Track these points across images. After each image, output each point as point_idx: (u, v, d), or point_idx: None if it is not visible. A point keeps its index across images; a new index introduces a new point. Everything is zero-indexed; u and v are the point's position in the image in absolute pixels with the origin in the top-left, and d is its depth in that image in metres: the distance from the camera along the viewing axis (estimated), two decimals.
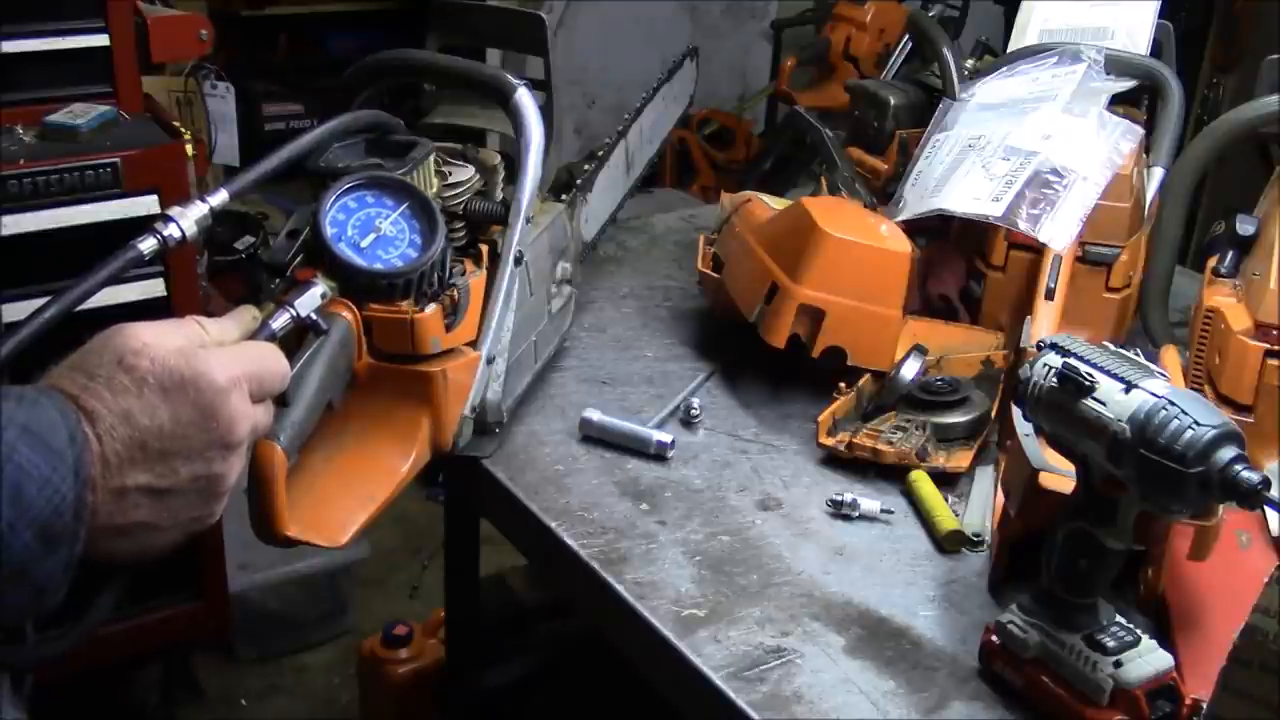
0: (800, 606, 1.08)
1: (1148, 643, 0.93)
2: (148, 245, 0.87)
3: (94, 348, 0.71)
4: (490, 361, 1.24)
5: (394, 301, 0.92)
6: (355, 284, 0.92)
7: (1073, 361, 0.91)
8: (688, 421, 1.35)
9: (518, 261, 1.26)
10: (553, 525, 1.17)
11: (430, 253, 0.89)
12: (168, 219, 0.89)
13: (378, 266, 0.92)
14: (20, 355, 0.75)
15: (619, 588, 1.09)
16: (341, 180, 0.90)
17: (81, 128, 1.83)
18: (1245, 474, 0.81)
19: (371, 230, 0.90)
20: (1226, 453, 0.82)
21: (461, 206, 1.23)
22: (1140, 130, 1.44)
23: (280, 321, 0.89)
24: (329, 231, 0.88)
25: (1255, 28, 3.24)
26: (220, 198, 0.93)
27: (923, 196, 1.46)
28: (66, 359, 0.72)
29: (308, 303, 0.90)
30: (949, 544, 1.16)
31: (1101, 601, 0.95)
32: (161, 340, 0.72)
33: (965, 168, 1.43)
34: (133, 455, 0.69)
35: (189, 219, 0.90)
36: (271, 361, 0.80)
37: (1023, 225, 1.34)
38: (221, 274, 2.76)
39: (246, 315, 0.86)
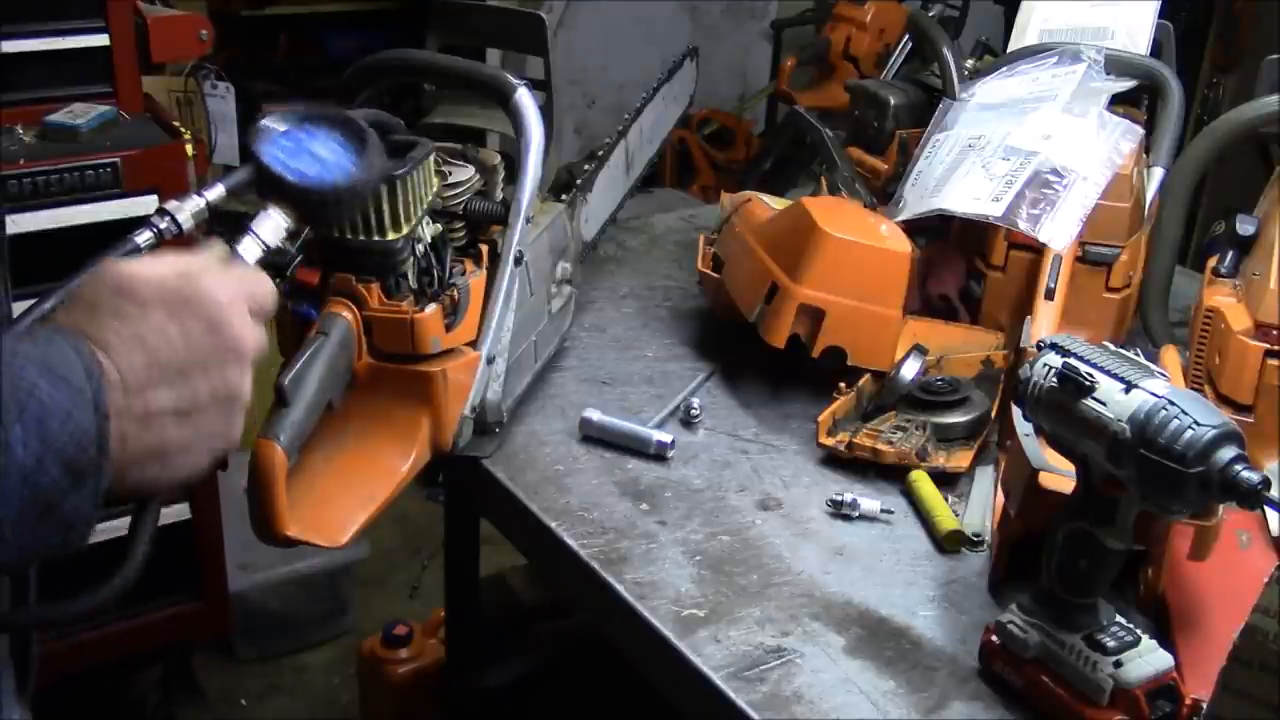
0: (800, 606, 1.08)
1: (1148, 643, 0.93)
2: (144, 239, 0.88)
3: (86, 283, 0.71)
4: (490, 361, 1.24)
5: (342, 220, 0.90)
6: (304, 203, 0.91)
7: (1073, 361, 0.91)
8: (688, 421, 1.35)
9: (518, 261, 1.26)
10: (553, 525, 1.17)
11: (367, 168, 0.89)
12: (164, 213, 0.89)
13: (327, 180, 0.91)
14: None
15: (619, 588, 1.09)
16: (275, 118, 0.89)
17: (81, 128, 1.83)
18: (1245, 474, 0.81)
19: (308, 154, 0.89)
20: (1226, 453, 0.82)
21: (461, 206, 1.23)
22: (1140, 130, 1.44)
23: (251, 251, 0.89)
24: (270, 160, 0.88)
25: (1255, 28, 3.24)
26: (217, 192, 0.93)
27: (923, 196, 1.46)
28: (55, 299, 0.73)
29: (270, 230, 0.89)
30: (949, 544, 1.16)
31: (1101, 601, 0.95)
32: (153, 268, 0.73)
33: (965, 168, 1.43)
34: (151, 377, 0.69)
35: (185, 213, 0.90)
36: (259, 282, 0.80)
37: (1023, 225, 1.34)
38: None
39: (218, 248, 0.87)
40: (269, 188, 0.88)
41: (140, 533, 0.78)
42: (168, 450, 0.71)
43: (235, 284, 0.76)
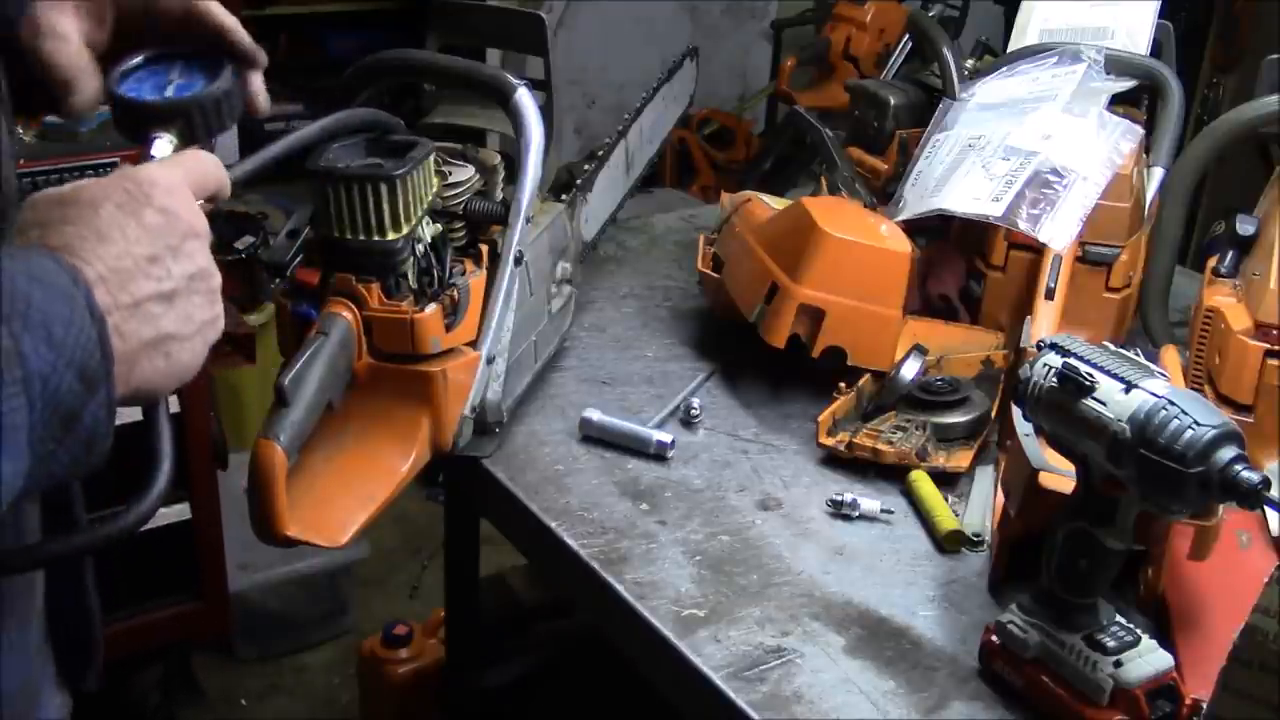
0: (800, 606, 1.08)
1: (1148, 643, 0.93)
2: None
3: (26, 208, 0.71)
4: (490, 361, 1.24)
5: (194, 140, 0.90)
6: (121, 119, 0.88)
7: (1073, 361, 0.91)
8: (688, 421, 1.35)
9: (518, 261, 1.26)
10: (553, 525, 1.17)
11: (199, 91, 0.87)
12: None
13: (161, 98, 0.88)
14: None
15: (619, 588, 1.09)
16: (129, 58, 0.90)
17: (81, 128, 1.83)
18: (1245, 474, 0.81)
19: (166, 86, 0.90)
20: (1226, 453, 0.82)
21: (461, 206, 1.23)
22: (1140, 130, 1.44)
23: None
24: (125, 92, 0.88)
25: (1255, 28, 3.24)
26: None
27: (923, 196, 1.46)
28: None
29: (163, 151, 0.87)
30: (949, 544, 1.16)
31: (1101, 601, 0.95)
32: (85, 181, 0.73)
33: (965, 168, 1.43)
34: (125, 267, 0.69)
35: None
36: (201, 161, 0.80)
37: (1023, 225, 1.34)
38: (222, 273, 2.76)
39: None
40: (138, 117, 0.87)
41: (159, 435, 0.76)
42: (163, 339, 0.71)
43: (176, 169, 0.76)
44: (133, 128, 0.86)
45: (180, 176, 0.76)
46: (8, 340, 0.60)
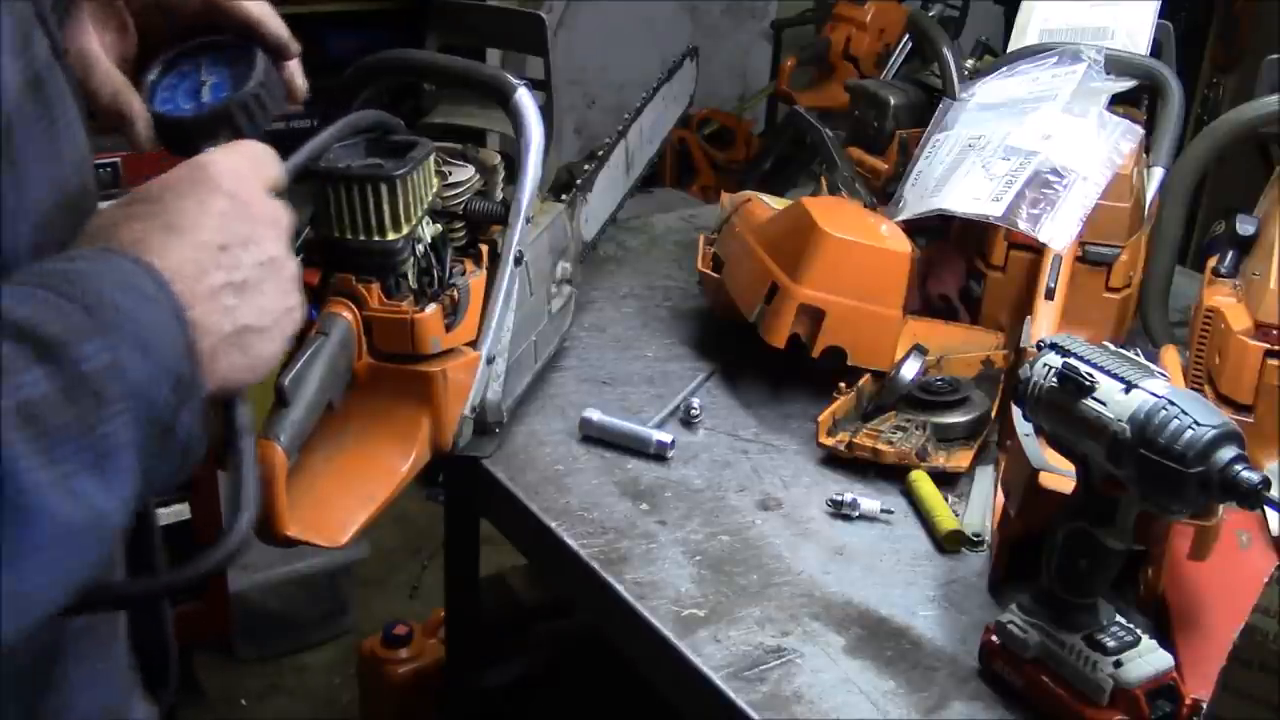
0: (800, 606, 1.08)
1: (1148, 643, 0.93)
2: None
3: (93, 217, 0.68)
4: (490, 361, 1.24)
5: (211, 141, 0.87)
6: (168, 138, 0.85)
7: (1073, 361, 0.91)
8: (688, 421, 1.35)
9: (518, 261, 1.26)
10: (553, 525, 1.17)
11: (237, 91, 0.83)
12: None
13: (184, 110, 0.84)
14: None
15: (619, 588, 1.09)
16: (152, 66, 0.85)
17: None
18: (1245, 474, 0.81)
19: (199, 89, 0.86)
20: (1226, 453, 0.82)
21: (461, 206, 1.23)
22: (1140, 130, 1.44)
23: None
24: (162, 108, 0.83)
25: (1255, 28, 3.24)
26: None
27: (923, 196, 1.46)
28: (65, 253, 0.66)
29: None
30: (949, 544, 1.16)
31: (1101, 601, 0.95)
32: (144, 183, 0.70)
33: (965, 168, 1.43)
34: (198, 259, 0.66)
35: None
36: (260, 151, 0.77)
37: (1023, 225, 1.34)
38: None
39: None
40: (183, 132, 0.83)
41: (244, 468, 0.73)
42: (240, 331, 0.68)
43: (239, 156, 0.74)
44: (180, 143, 0.82)
45: (245, 163, 0.73)
46: (107, 354, 0.57)
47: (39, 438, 0.53)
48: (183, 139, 0.81)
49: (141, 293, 0.61)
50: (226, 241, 0.68)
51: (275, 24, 0.85)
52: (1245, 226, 1.34)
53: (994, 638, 0.99)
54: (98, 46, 0.80)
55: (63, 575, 0.57)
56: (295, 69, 0.87)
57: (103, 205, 0.69)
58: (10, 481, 0.52)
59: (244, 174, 0.72)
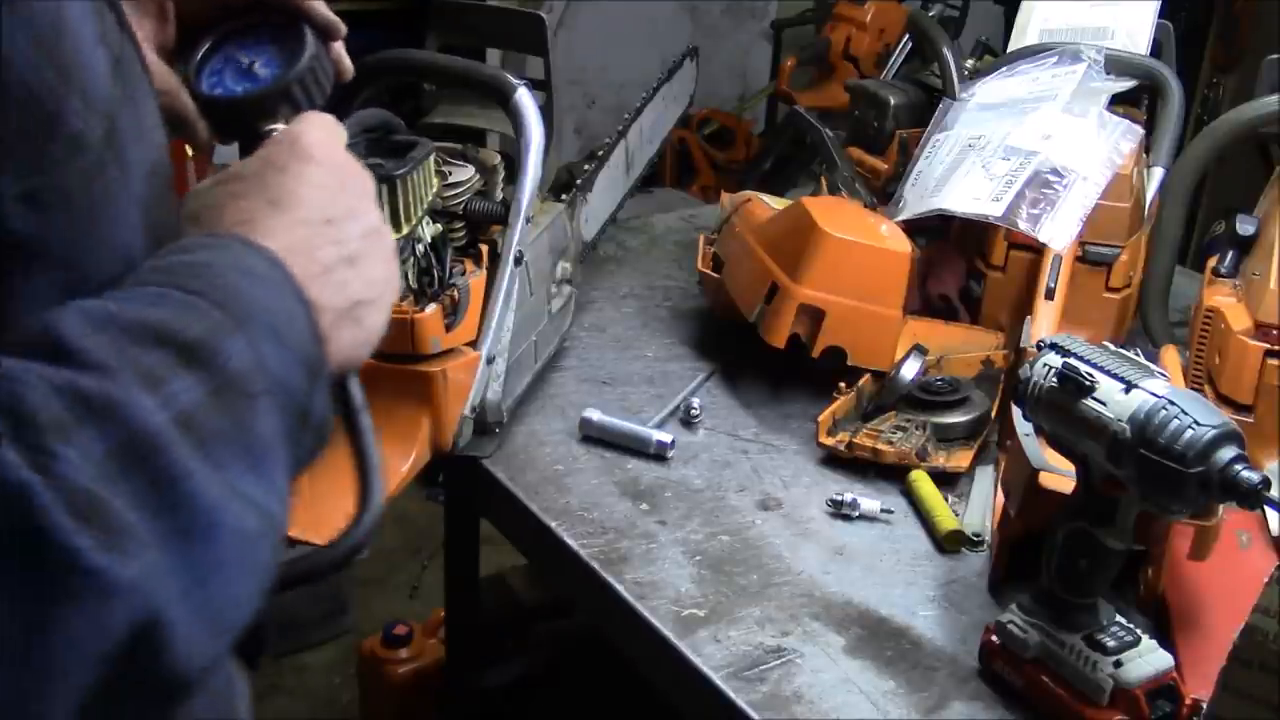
0: (800, 606, 1.08)
1: (1148, 643, 0.93)
2: None
3: (189, 199, 0.66)
4: (490, 361, 1.24)
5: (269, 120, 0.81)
6: (224, 120, 0.83)
7: (1073, 361, 0.91)
8: (688, 421, 1.35)
9: (518, 261, 1.26)
10: (553, 525, 1.17)
11: (292, 68, 0.80)
12: None
13: (237, 91, 0.82)
14: None
15: (619, 588, 1.09)
16: (195, 50, 0.82)
17: None
18: (1245, 474, 0.81)
19: (248, 69, 0.84)
20: (1226, 453, 0.82)
21: (461, 206, 1.23)
22: (1140, 130, 1.44)
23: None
24: (206, 85, 0.81)
25: (1255, 28, 3.24)
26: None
27: (923, 196, 1.46)
28: (179, 244, 0.62)
29: None
30: (949, 544, 1.16)
31: (1101, 601, 0.95)
32: (234, 165, 0.68)
33: (965, 168, 1.43)
34: (307, 236, 0.64)
35: None
36: (330, 120, 0.75)
37: (1023, 225, 1.34)
38: None
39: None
40: (240, 113, 0.81)
41: (365, 449, 0.72)
42: (354, 305, 0.67)
43: (322, 127, 0.72)
44: (237, 126, 0.80)
45: (331, 134, 0.71)
46: (248, 350, 0.56)
47: (201, 447, 0.52)
48: (240, 119, 0.80)
49: (264, 278, 0.60)
50: (332, 215, 0.67)
51: (321, 3, 0.84)
52: (1245, 226, 1.34)
53: (994, 638, 0.99)
54: (139, 39, 0.80)
55: (252, 585, 0.56)
56: (340, 49, 0.86)
57: (200, 183, 0.67)
58: (188, 502, 0.51)
59: (334, 145, 0.71)
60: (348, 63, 0.86)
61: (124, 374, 0.51)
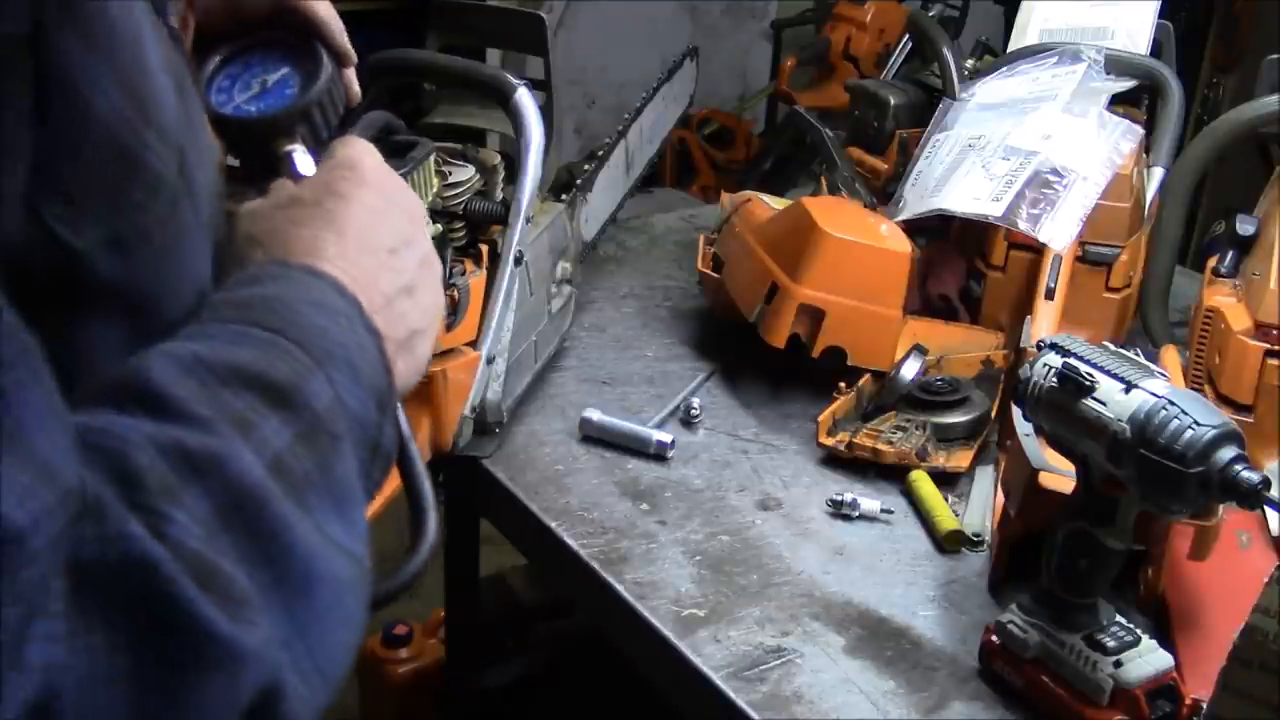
0: (800, 606, 1.08)
1: (1148, 643, 0.93)
2: None
3: (243, 220, 0.65)
4: (490, 361, 1.24)
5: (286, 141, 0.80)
6: (240, 139, 0.81)
7: (1073, 361, 0.91)
8: (688, 421, 1.35)
9: (518, 261, 1.26)
10: (553, 525, 1.17)
11: (312, 89, 0.80)
12: None
13: (252, 111, 0.80)
14: None
15: (619, 588, 1.09)
16: (218, 52, 0.81)
17: None
18: (1245, 474, 0.81)
19: (258, 86, 0.81)
20: (1226, 453, 0.82)
21: (461, 206, 1.23)
22: (1140, 130, 1.44)
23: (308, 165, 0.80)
24: (215, 102, 0.79)
25: (1255, 28, 3.24)
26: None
27: (923, 196, 1.46)
28: (248, 274, 0.62)
29: (305, 164, 0.79)
30: (949, 544, 1.16)
31: (1101, 601, 0.95)
32: (289, 184, 0.68)
33: (965, 168, 1.43)
34: (372, 265, 0.64)
35: None
36: (371, 145, 0.75)
37: (1023, 225, 1.34)
38: None
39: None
40: (259, 133, 0.80)
41: (417, 476, 0.71)
42: (411, 336, 0.67)
43: (374, 155, 0.71)
44: (251, 145, 0.79)
45: (376, 156, 0.71)
46: (329, 389, 0.55)
47: (294, 493, 0.51)
48: (257, 139, 0.79)
49: (337, 312, 0.60)
50: (393, 245, 0.67)
51: (339, 27, 0.84)
52: (1245, 226, 1.34)
53: (994, 638, 0.99)
54: None
55: (349, 635, 0.55)
56: (352, 75, 0.86)
57: (254, 203, 0.67)
58: (289, 554, 0.50)
59: (388, 171, 0.70)
60: (357, 89, 0.86)
61: (221, 424, 0.50)
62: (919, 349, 1.34)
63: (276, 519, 0.50)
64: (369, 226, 0.66)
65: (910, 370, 1.31)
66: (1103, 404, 0.88)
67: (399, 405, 0.69)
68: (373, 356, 0.60)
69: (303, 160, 0.77)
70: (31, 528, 0.41)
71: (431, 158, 1.14)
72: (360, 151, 0.71)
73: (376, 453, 0.60)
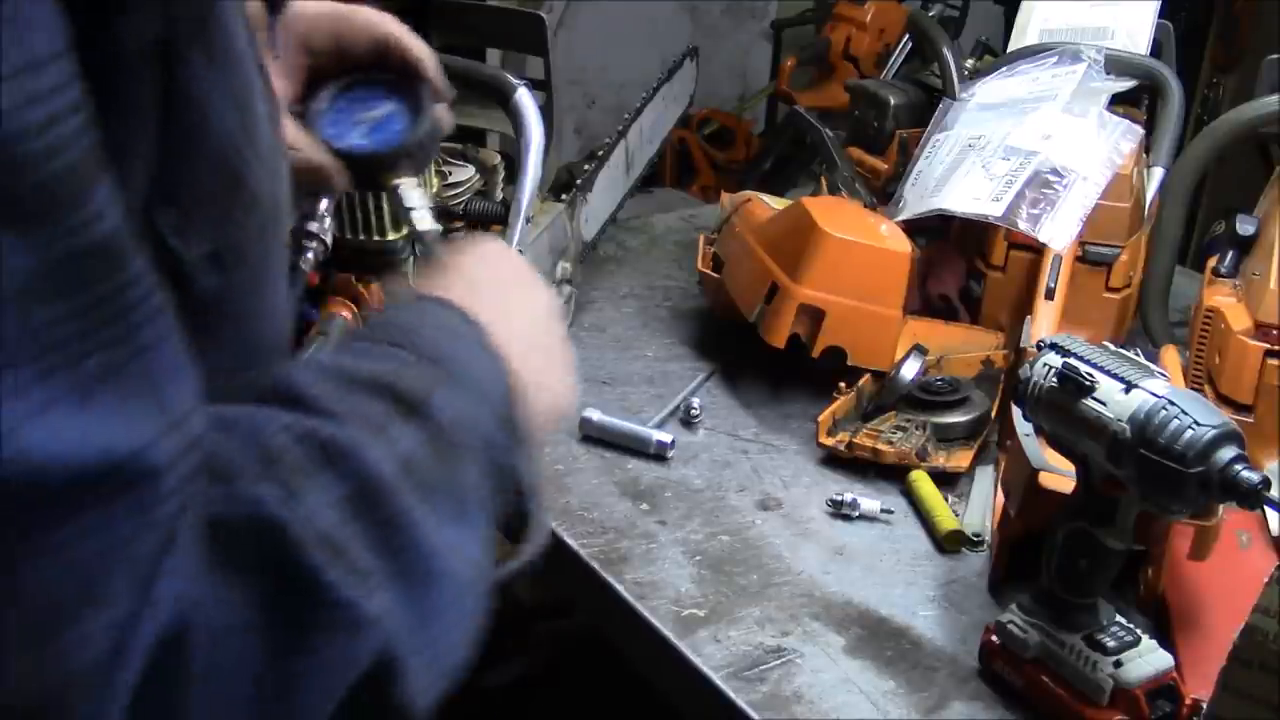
0: (800, 606, 1.08)
1: (1148, 643, 0.93)
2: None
3: (388, 310, 0.69)
4: None
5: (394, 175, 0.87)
6: (363, 172, 0.87)
7: (1073, 361, 0.91)
8: (688, 421, 1.35)
9: None
10: (553, 525, 1.17)
11: (419, 127, 0.85)
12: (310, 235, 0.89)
13: (366, 146, 0.85)
14: None
15: (619, 588, 1.09)
16: (327, 89, 0.86)
17: None
18: (1245, 474, 0.81)
19: (368, 121, 0.86)
20: (1226, 453, 0.82)
21: (461, 206, 1.23)
22: (1140, 130, 1.44)
23: (425, 221, 0.86)
24: (329, 135, 0.84)
25: (1255, 28, 3.23)
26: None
27: (923, 196, 1.46)
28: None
29: (417, 196, 0.86)
30: (949, 544, 1.16)
31: (1101, 601, 0.95)
32: (452, 265, 0.72)
33: (965, 168, 1.43)
34: (498, 300, 0.68)
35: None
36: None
37: (1023, 225, 1.34)
38: None
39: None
40: (373, 168, 0.85)
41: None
42: (541, 368, 0.71)
43: (499, 242, 0.76)
44: (366, 178, 0.85)
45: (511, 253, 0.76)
46: (454, 403, 0.58)
47: (420, 493, 0.54)
48: (371, 173, 0.84)
49: (461, 335, 0.63)
50: (536, 337, 0.73)
51: (436, 64, 0.88)
52: (1245, 226, 1.34)
53: (994, 638, 0.99)
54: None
55: (466, 632, 0.58)
56: (444, 109, 0.89)
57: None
58: (414, 547, 0.52)
59: (518, 260, 0.76)
60: (448, 122, 0.90)
61: (353, 421, 0.53)
62: (919, 349, 1.34)
63: (403, 514, 0.52)
64: (516, 319, 0.69)
65: (910, 370, 1.31)
66: (1103, 404, 0.88)
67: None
68: (499, 382, 0.63)
69: (413, 196, 0.83)
70: (167, 466, 0.44)
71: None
72: (491, 246, 0.76)
73: (509, 477, 0.62)
